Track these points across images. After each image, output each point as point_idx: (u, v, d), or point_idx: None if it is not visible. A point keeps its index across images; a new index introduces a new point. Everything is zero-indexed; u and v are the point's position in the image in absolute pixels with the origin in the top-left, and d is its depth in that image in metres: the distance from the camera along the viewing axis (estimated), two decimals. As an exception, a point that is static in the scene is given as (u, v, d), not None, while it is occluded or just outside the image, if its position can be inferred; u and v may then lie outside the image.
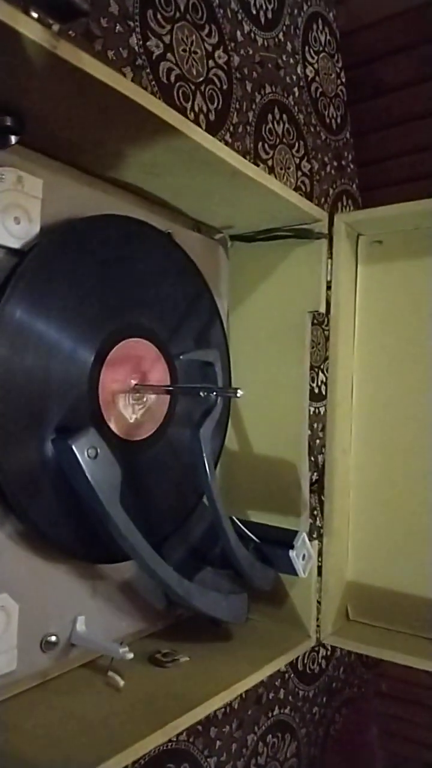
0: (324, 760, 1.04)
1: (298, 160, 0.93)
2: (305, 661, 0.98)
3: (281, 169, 0.89)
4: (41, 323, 0.43)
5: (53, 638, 0.46)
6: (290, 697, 0.95)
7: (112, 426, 0.49)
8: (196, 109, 0.73)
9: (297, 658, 0.96)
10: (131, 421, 0.51)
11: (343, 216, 0.61)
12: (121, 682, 0.47)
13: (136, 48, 0.66)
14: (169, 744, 0.72)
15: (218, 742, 0.80)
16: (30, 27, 0.33)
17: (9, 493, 0.42)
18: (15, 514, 0.43)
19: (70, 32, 0.57)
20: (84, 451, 0.42)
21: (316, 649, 1.01)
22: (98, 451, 0.43)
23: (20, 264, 0.42)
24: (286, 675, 0.94)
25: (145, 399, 0.52)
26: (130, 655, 0.45)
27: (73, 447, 0.42)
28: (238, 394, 0.46)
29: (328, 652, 1.05)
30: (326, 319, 0.63)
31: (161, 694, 0.47)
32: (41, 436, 0.43)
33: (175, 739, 0.72)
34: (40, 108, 0.40)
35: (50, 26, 0.34)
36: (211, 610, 0.51)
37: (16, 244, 0.42)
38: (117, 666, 0.49)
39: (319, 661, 1.02)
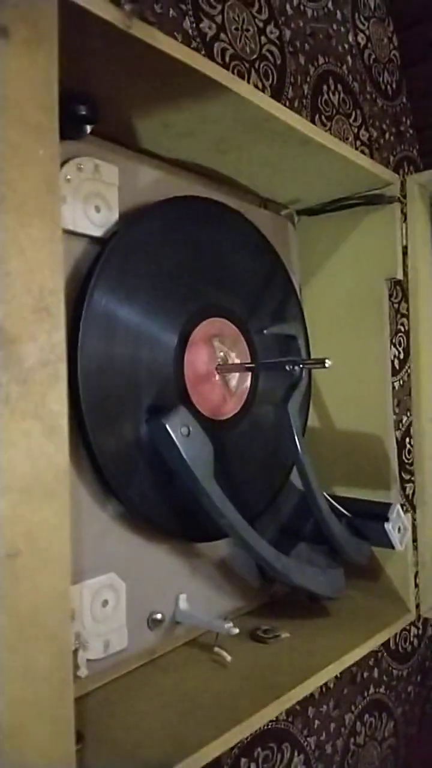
0: (422, 738, 1.03)
1: (356, 130, 0.91)
2: (397, 640, 0.96)
3: (340, 140, 0.87)
4: (126, 310, 0.44)
5: (159, 616, 0.47)
6: (384, 677, 0.93)
7: (198, 406, 0.49)
8: (252, 86, 0.72)
9: (389, 638, 0.94)
10: (216, 400, 0.51)
11: (415, 177, 0.59)
12: (229, 658, 0.47)
13: (190, 31, 0.66)
14: (270, 724, 0.72)
15: (317, 722, 0.80)
16: (104, 7, 0.33)
17: (108, 476, 0.43)
18: (115, 496, 0.44)
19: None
20: (177, 429, 0.43)
21: (408, 627, 0.99)
22: (190, 428, 0.43)
23: (102, 253, 0.43)
24: (380, 654, 0.92)
25: (228, 378, 0.52)
26: (236, 630, 0.46)
27: (167, 426, 0.42)
28: (327, 365, 0.45)
29: (420, 631, 1.03)
30: (400, 292, 0.61)
31: (268, 669, 0.48)
32: (134, 419, 0.44)
33: (275, 719, 0.73)
34: (112, 93, 0.40)
35: (122, 5, 0.34)
36: (310, 584, 0.51)
37: (97, 233, 0.43)
38: (220, 643, 0.49)
39: (411, 639, 1.00)
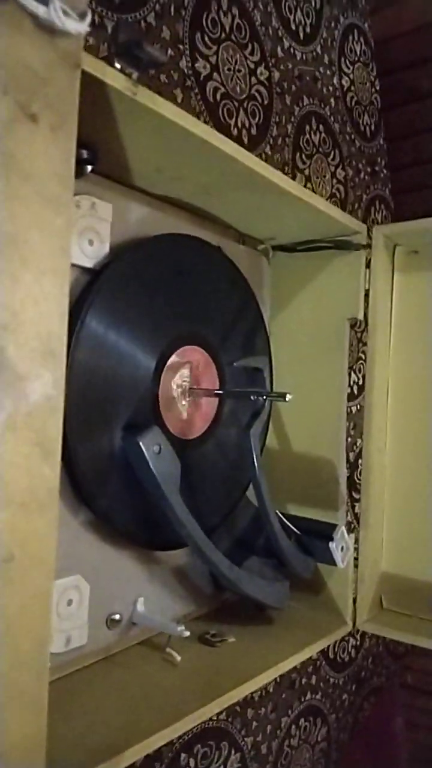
0: (353, 745, 1.09)
1: (333, 168, 0.97)
2: (336, 650, 1.02)
3: (317, 177, 0.93)
4: (113, 333, 0.48)
5: (117, 616, 0.51)
6: (321, 684, 0.99)
7: (169, 425, 0.54)
8: (239, 124, 0.77)
9: (328, 647, 1.00)
10: (185, 420, 0.55)
11: (381, 228, 0.64)
12: (178, 658, 0.52)
13: (186, 70, 0.70)
14: (210, 723, 0.76)
15: (254, 723, 0.84)
16: (114, 77, 0.37)
17: (83, 485, 0.47)
18: (87, 504, 0.48)
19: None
20: (150, 447, 0.47)
21: (347, 638, 1.05)
22: (161, 446, 0.48)
23: (94, 282, 0.47)
24: (318, 662, 0.98)
25: (197, 400, 0.56)
26: (187, 633, 0.50)
27: (141, 443, 0.46)
28: (287, 399, 0.50)
29: (358, 642, 1.09)
30: (363, 326, 0.67)
31: (213, 670, 0.52)
32: (110, 433, 0.48)
33: (215, 718, 0.77)
34: (113, 142, 0.45)
35: (130, 75, 0.38)
36: (258, 594, 0.56)
37: (89, 264, 0.47)
38: (171, 644, 0.54)
39: (349, 650, 1.06)
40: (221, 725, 0.78)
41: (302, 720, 0.95)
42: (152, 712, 0.45)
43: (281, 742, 0.90)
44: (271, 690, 0.87)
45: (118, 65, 0.38)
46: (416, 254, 0.68)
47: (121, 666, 0.51)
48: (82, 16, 0.28)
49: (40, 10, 0.26)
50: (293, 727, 0.93)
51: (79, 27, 0.28)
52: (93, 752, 0.40)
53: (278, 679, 0.88)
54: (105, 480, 0.48)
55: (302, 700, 0.94)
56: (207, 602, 0.62)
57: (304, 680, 0.94)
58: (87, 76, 0.35)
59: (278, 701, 0.89)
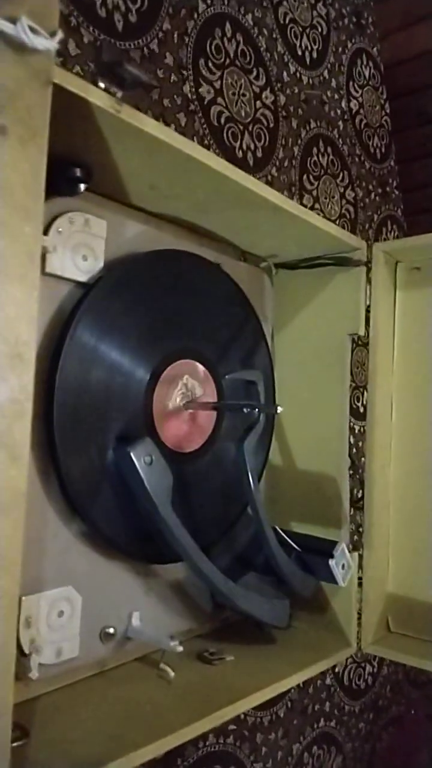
0: (371, 777, 1.05)
1: (342, 189, 0.97)
2: (351, 676, 1.00)
3: (325, 198, 0.94)
4: (105, 345, 0.49)
5: (111, 630, 0.51)
6: (336, 711, 0.96)
7: (164, 438, 0.54)
8: (244, 147, 0.79)
9: (343, 673, 0.98)
10: (181, 434, 0.55)
11: (380, 245, 0.65)
12: (172, 674, 0.51)
13: (189, 95, 0.72)
14: (217, 746, 0.75)
15: (264, 749, 0.82)
16: (97, 95, 0.38)
17: (74, 496, 0.47)
18: (79, 515, 0.48)
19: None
20: (141, 458, 0.47)
21: (362, 665, 1.02)
22: (153, 458, 0.48)
23: (86, 295, 0.48)
24: (332, 689, 0.95)
25: (195, 414, 0.56)
26: (180, 648, 0.50)
27: (132, 454, 0.47)
28: (278, 410, 0.50)
29: (375, 669, 1.06)
30: (366, 342, 0.66)
31: (208, 688, 0.51)
32: (102, 444, 0.49)
33: (222, 742, 0.76)
34: (105, 161, 0.46)
35: (114, 94, 0.40)
36: (254, 611, 0.55)
37: (83, 278, 0.48)
38: (168, 661, 0.53)
39: (366, 677, 1.03)
40: (228, 749, 0.77)
41: (315, 748, 0.92)
42: (140, 727, 0.45)
43: (293, 771, 0.88)
44: (281, 715, 0.85)
45: (102, 84, 0.39)
46: (418, 270, 0.68)
47: (115, 681, 0.51)
48: (52, 34, 0.30)
49: (8, 27, 0.28)
50: (305, 754, 0.90)
51: (49, 44, 0.29)
52: (76, 764, 0.40)
53: (289, 705, 0.86)
54: (97, 491, 0.48)
55: (315, 727, 0.92)
56: (207, 620, 0.62)
57: (317, 706, 0.92)
58: (72, 96, 0.37)
59: (289, 727, 0.87)
